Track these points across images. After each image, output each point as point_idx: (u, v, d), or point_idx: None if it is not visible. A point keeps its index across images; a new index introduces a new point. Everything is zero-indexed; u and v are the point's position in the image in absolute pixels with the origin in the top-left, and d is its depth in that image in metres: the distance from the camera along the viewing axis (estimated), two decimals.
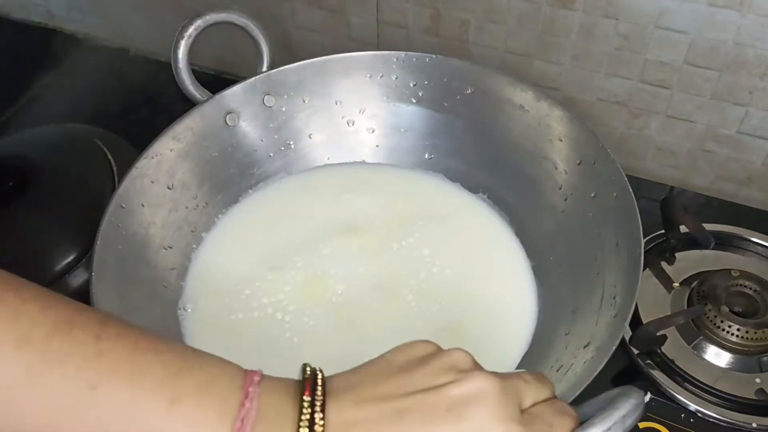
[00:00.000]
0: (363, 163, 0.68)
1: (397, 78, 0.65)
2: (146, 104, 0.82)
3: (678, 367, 0.57)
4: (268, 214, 0.64)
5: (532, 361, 0.53)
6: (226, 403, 0.33)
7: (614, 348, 0.44)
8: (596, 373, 0.44)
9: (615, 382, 0.57)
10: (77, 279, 0.57)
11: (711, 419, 0.54)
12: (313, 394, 0.34)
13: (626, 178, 0.53)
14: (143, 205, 0.56)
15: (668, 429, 0.53)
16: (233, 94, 0.62)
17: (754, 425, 0.54)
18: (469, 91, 0.63)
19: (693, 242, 0.64)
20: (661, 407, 0.54)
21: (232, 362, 0.35)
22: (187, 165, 0.61)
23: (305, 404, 0.33)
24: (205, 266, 0.60)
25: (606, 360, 0.44)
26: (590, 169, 0.57)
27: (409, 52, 0.64)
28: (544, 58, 0.70)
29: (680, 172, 0.73)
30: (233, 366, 0.35)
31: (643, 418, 0.53)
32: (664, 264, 0.64)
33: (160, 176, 0.58)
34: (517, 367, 0.53)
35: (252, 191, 0.65)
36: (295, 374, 0.36)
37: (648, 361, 0.57)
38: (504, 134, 0.63)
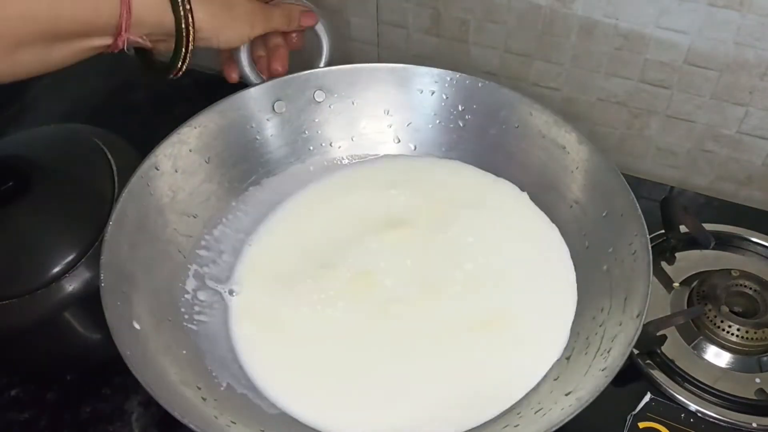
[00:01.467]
0: (399, 156, 0.68)
1: (447, 98, 0.65)
2: (146, 104, 0.82)
3: (678, 367, 0.57)
4: (315, 209, 0.64)
5: (518, 401, 0.52)
6: None
7: (591, 400, 0.44)
8: (565, 421, 0.44)
9: (615, 382, 0.57)
10: (76, 279, 0.57)
11: (711, 419, 0.54)
12: None
13: (648, 239, 0.52)
14: (176, 171, 0.58)
15: (668, 429, 0.53)
16: (286, 82, 0.63)
17: (754, 425, 0.54)
18: (515, 122, 0.63)
19: (693, 242, 0.64)
20: (661, 407, 0.54)
21: None
22: (227, 142, 0.62)
23: None
24: (256, 254, 0.61)
25: (580, 411, 0.44)
26: (616, 221, 0.56)
27: (462, 74, 0.64)
28: (544, 58, 0.70)
29: (680, 172, 0.73)
30: None
31: (643, 418, 0.53)
32: (664, 264, 0.64)
33: (199, 146, 0.59)
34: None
35: (289, 183, 0.65)
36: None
37: (648, 361, 0.58)
38: (542, 172, 0.62)
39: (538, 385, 0.52)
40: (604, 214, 0.57)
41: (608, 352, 0.49)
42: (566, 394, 0.48)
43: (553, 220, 0.62)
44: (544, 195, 0.63)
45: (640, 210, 0.54)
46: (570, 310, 0.56)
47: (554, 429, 0.44)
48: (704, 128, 0.69)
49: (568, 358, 0.53)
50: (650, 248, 0.51)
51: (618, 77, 0.68)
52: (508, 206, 0.64)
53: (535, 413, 0.49)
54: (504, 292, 0.57)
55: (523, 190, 0.64)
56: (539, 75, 0.72)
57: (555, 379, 0.51)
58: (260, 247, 0.61)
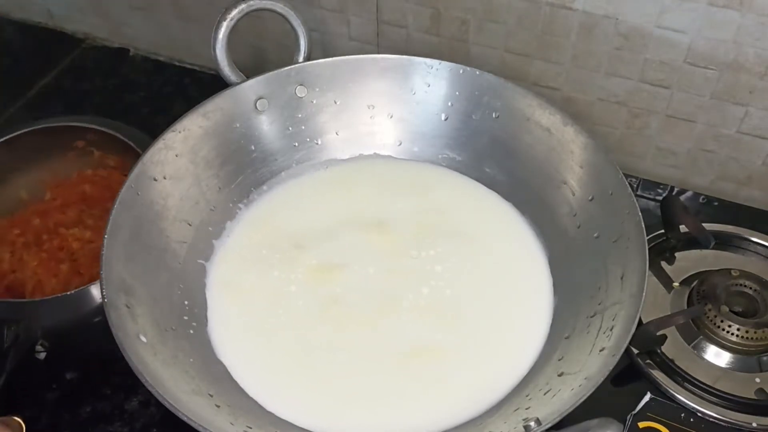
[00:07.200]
0: (391, 158, 0.68)
1: (429, 86, 0.65)
2: (146, 104, 0.82)
3: (678, 367, 0.57)
4: (299, 200, 0.65)
5: (522, 381, 0.52)
6: None
7: (602, 380, 0.44)
8: (581, 401, 0.44)
9: (615, 382, 0.57)
10: None
11: (711, 419, 0.54)
12: None
13: (641, 215, 0.52)
14: (165, 177, 0.58)
15: (668, 429, 0.53)
16: (267, 79, 0.63)
17: (754, 425, 0.54)
18: (498, 107, 0.63)
19: (693, 242, 0.64)
20: (661, 407, 0.54)
21: None
22: (213, 144, 0.62)
23: None
24: (236, 230, 0.62)
25: (592, 390, 0.44)
26: (606, 200, 0.56)
27: (444, 61, 0.64)
28: (544, 58, 0.70)
29: (680, 172, 0.73)
30: None
31: (643, 418, 0.53)
32: (664, 264, 0.64)
33: (184, 151, 0.59)
34: None
35: (276, 178, 0.66)
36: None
37: (648, 361, 0.57)
38: (528, 154, 0.63)
39: (543, 365, 0.52)
40: (592, 195, 0.58)
41: (611, 330, 0.49)
42: (574, 374, 0.48)
43: (543, 201, 0.61)
44: (533, 178, 0.63)
45: (630, 188, 0.54)
46: (529, 359, 0.54)
47: (567, 410, 0.43)
48: (704, 128, 0.69)
49: (567, 337, 0.53)
50: (643, 225, 0.52)
51: (618, 77, 0.68)
52: (496, 235, 0.62)
53: (544, 394, 0.48)
54: (449, 328, 0.56)
55: (510, 175, 0.64)
56: (539, 75, 0.72)
57: (559, 359, 0.51)
58: (241, 225, 0.63)
